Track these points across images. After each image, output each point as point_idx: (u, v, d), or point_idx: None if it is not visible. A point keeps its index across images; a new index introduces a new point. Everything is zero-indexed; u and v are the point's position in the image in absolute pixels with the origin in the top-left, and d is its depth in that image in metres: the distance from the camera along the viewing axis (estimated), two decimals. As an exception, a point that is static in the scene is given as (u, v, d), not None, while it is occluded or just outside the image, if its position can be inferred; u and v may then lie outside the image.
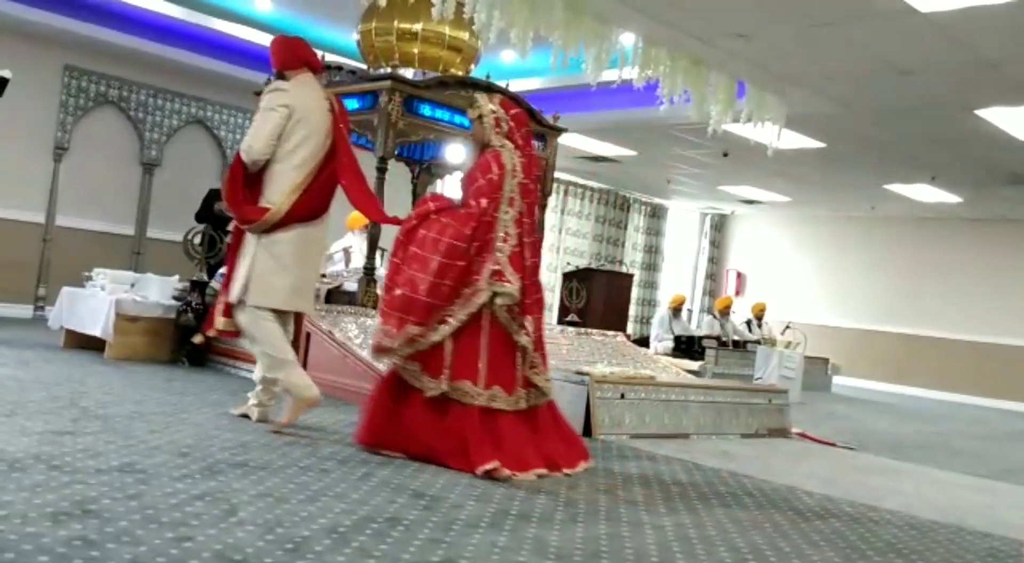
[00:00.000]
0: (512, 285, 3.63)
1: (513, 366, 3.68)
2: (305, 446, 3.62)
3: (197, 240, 6.49)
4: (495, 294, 3.62)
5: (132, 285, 6.46)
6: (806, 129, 9.13)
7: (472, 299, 3.63)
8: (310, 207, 4.09)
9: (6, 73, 6.74)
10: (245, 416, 4.21)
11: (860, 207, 13.89)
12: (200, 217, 7.53)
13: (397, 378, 3.70)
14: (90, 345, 6.23)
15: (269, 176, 4.07)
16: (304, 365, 5.48)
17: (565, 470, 3.65)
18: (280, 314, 4.12)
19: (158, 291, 6.38)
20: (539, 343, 3.76)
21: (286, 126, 4.02)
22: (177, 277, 6.64)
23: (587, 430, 4.80)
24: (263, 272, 4.04)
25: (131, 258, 9.18)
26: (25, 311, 8.61)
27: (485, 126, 3.85)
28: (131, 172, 9.40)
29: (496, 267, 3.63)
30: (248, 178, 4.09)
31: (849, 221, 14.95)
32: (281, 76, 4.23)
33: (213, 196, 7.33)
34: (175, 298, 6.30)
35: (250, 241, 4.09)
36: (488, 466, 3.39)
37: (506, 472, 3.42)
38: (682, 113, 7.54)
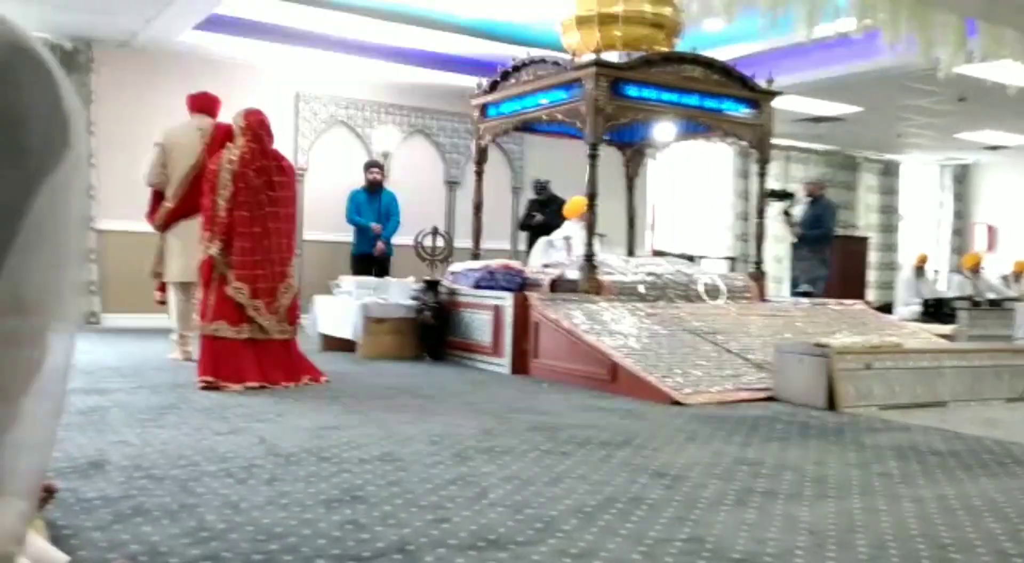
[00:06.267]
0: (214, 248, 4.92)
1: (236, 307, 4.87)
2: (545, 431, 3.74)
3: (427, 242, 6.85)
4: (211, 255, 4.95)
5: (375, 289, 6.93)
6: (1055, 60, 8.20)
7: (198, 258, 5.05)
8: (186, 209, 5.70)
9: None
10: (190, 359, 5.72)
11: None
12: (523, 225, 9.30)
13: None
14: (343, 347, 6.75)
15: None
16: (535, 353, 5.74)
17: (284, 383, 4.85)
18: (183, 287, 5.85)
19: (398, 293, 6.81)
20: (261, 292, 4.91)
21: (164, 158, 5.81)
22: (413, 278, 7.04)
23: (831, 404, 4.61)
24: (166, 257, 5.92)
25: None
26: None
27: (234, 132, 5.18)
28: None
29: (209, 235, 4.97)
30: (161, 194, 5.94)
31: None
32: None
33: (531, 207, 9.27)
34: (413, 298, 6.68)
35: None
36: (201, 379, 4.70)
37: (208, 381, 4.66)
38: (908, 60, 7.04)
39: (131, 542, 2.09)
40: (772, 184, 9.24)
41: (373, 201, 8.94)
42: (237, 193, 4.95)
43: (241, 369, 4.78)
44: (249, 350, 4.87)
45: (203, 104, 6.13)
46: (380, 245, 8.84)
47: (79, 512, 2.32)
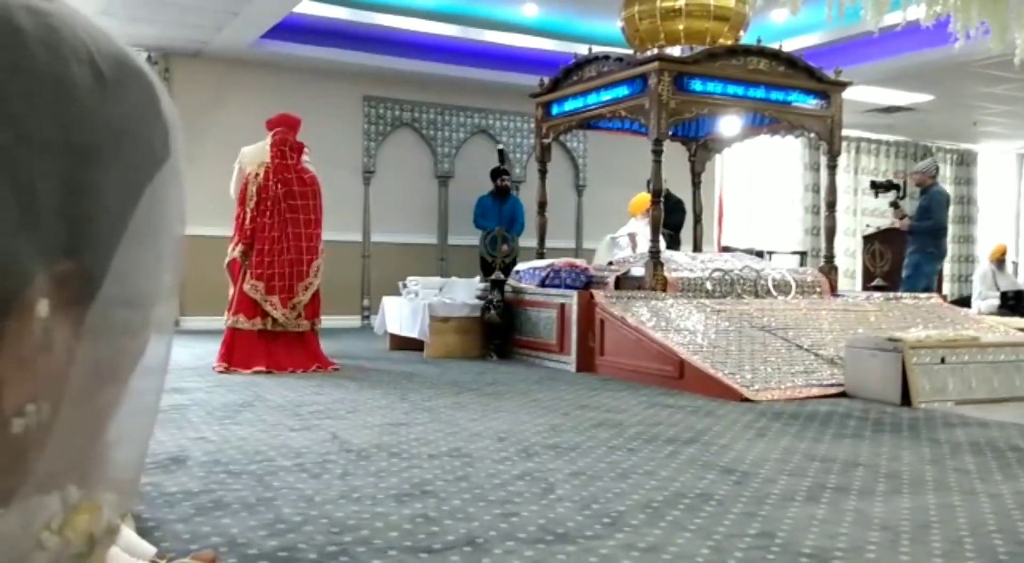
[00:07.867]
0: (236, 250, 5.58)
1: (253, 302, 5.48)
2: (611, 428, 3.74)
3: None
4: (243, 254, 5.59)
5: (441, 289, 7.00)
6: None
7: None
8: None
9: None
10: None
11: None
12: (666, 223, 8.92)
13: None
14: (411, 346, 6.83)
15: None
16: (601, 351, 5.74)
17: (290, 369, 5.44)
18: None
19: (464, 292, 6.87)
20: (276, 289, 5.50)
21: (241, 176, 5.96)
22: (478, 278, 7.09)
23: (905, 399, 4.51)
24: None
25: (437, 265, 9.90)
26: (354, 321, 9.59)
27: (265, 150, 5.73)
28: (429, 186, 10.15)
29: (235, 240, 5.64)
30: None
31: None
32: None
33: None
34: (478, 297, 6.74)
35: None
36: (218, 364, 5.42)
37: (224, 366, 5.37)
38: (981, 47, 6.82)
39: (212, 534, 2.17)
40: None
41: (498, 206, 9.27)
42: (260, 203, 5.59)
43: (251, 356, 5.44)
44: (261, 340, 5.51)
45: (279, 122, 6.29)
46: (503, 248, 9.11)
47: (162, 505, 2.42)
